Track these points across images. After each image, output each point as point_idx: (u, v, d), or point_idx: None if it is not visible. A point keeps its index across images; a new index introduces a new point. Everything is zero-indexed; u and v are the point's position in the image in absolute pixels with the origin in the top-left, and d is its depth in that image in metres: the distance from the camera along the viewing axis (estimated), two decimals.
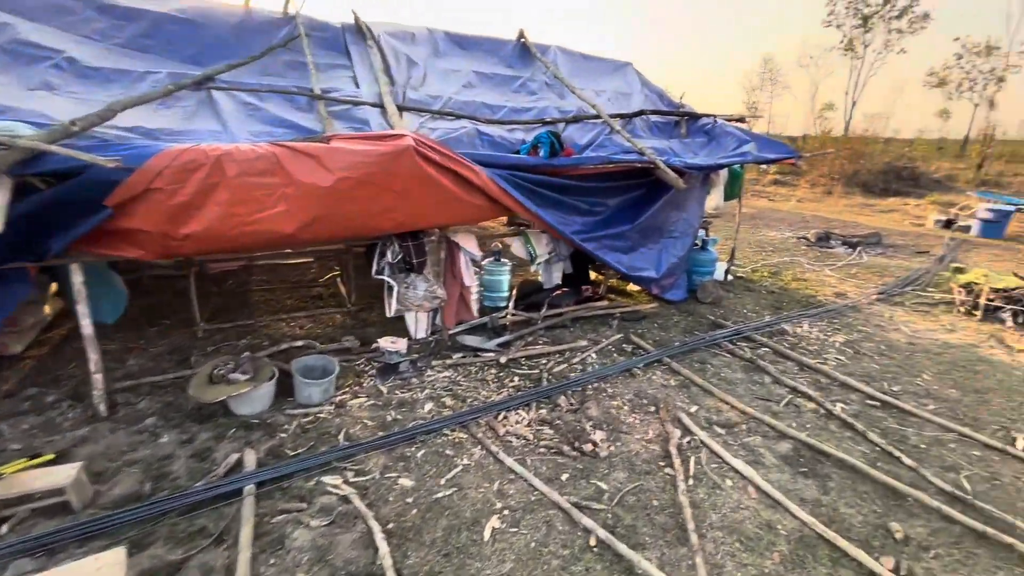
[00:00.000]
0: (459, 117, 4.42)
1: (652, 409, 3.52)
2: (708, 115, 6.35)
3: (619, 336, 4.71)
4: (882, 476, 2.81)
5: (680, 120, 6.14)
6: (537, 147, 4.14)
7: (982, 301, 5.60)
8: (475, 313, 4.68)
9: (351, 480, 2.71)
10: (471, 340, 4.41)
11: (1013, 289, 5.75)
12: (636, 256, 5.15)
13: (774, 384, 3.96)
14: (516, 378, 3.88)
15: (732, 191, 6.54)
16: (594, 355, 4.32)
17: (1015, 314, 5.40)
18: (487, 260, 5.28)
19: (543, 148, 4.11)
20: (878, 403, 3.70)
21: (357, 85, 4.59)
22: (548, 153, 4.10)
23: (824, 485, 2.81)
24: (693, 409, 3.54)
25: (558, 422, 3.31)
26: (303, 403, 3.42)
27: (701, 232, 6.36)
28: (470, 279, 4.35)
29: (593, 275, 5.96)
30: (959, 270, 6.98)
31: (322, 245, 5.05)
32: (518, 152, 4.24)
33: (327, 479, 2.69)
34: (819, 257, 8.10)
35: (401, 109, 4.14)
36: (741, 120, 6.58)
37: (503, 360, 4.07)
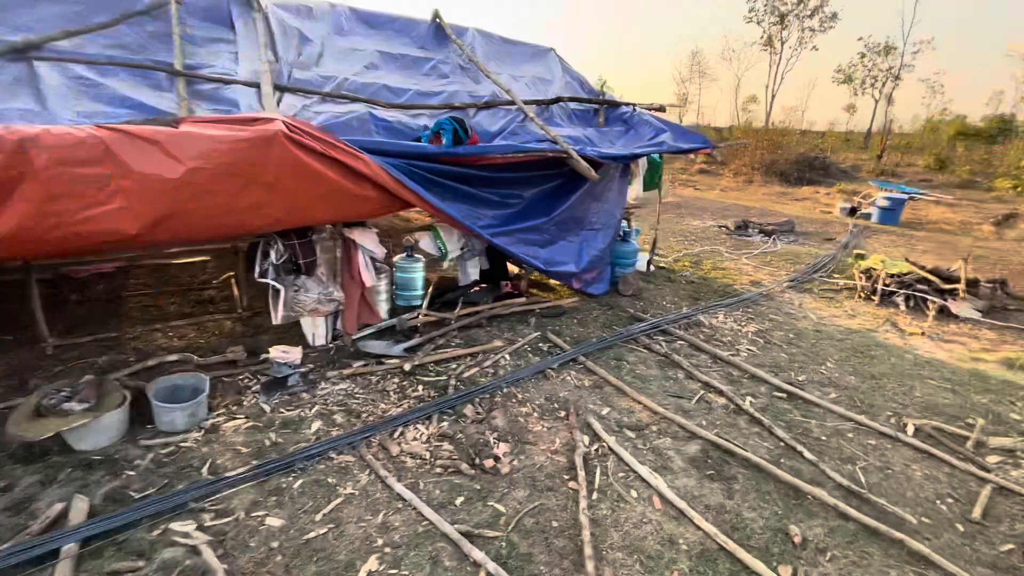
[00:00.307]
0: (352, 100, 4.00)
1: (562, 414, 3.34)
2: (627, 103, 6.26)
3: (536, 334, 4.52)
4: (784, 475, 2.77)
5: (599, 108, 6.00)
6: (439, 134, 3.82)
7: (879, 287, 5.90)
8: (382, 315, 4.32)
9: (208, 524, 2.31)
10: (375, 346, 4.05)
11: (905, 274, 6.10)
12: (555, 250, 4.96)
13: (687, 379, 3.90)
14: (421, 387, 3.58)
15: (652, 181, 6.52)
16: (508, 356, 4.10)
17: (907, 298, 5.72)
18: (400, 257, 4.92)
19: (445, 135, 3.79)
20: (785, 395, 3.72)
21: (238, 62, 4.04)
22: (451, 141, 3.79)
23: (729, 488, 2.73)
24: (605, 411, 3.40)
25: (460, 436, 3.05)
26: (166, 430, 2.95)
27: (623, 223, 6.30)
28: (371, 279, 3.98)
29: (514, 269, 5.74)
30: (860, 256, 7.38)
31: (205, 244, 4.48)
32: (419, 140, 3.89)
33: (177, 525, 2.28)
34: (737, 245, 8.33)
35: (281, 90, 3.67)
36: (660, 109, 6.55)
37: (408, 367, 3.75)
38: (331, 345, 4.12)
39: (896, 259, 6.80)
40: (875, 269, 6.37)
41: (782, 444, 3.12)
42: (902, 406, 3.65)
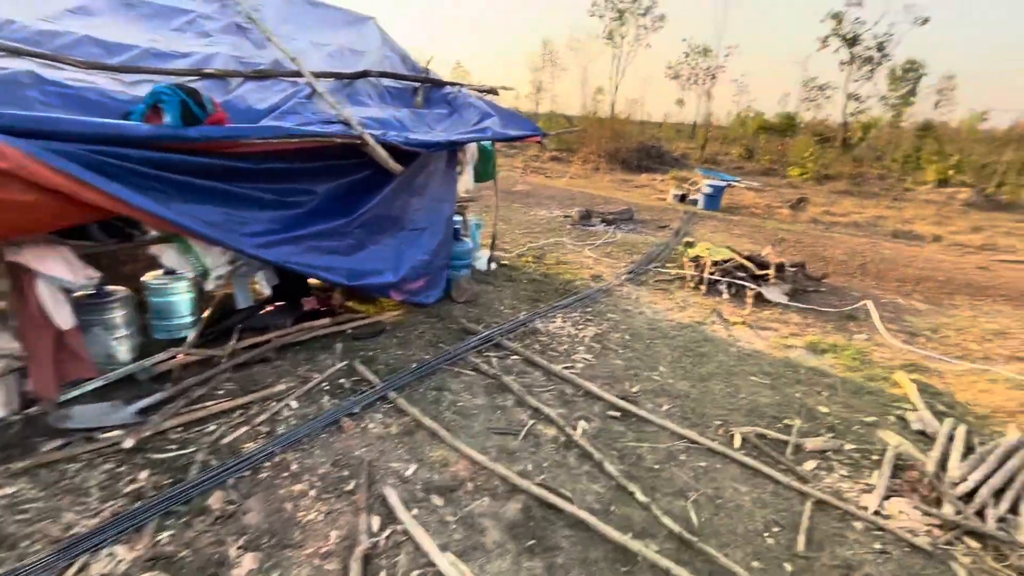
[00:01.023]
0: (9, 53, 2.66)
1: (352, 486, 2.55)
2: (453, 83, 5.54)
3: (342, 365, 3.64)
4: (613, 533, 2.32)
5: (419, 88, 5.19)
6: (158, 109, 2.69)
7: (706, 275, 6.07)
8: (92, 367, 3.06)
9: None
10: (85, 414, 2.84)
11: (727, 261, 6.38)
12: (364, 257, 4.08)
13: (517, 407, 3.36)
14: (146, 472, 2.51)
15: (486, 171, 5.93)
16: (294, 403, 3.18)
17: (729, 286, 5.95)
18: (154, 274, 3.69)
19: (169, 111, 2.67)
20: (619, 413, 3.36)
21: None
22: (179, 118, 2.69)
23: (551, 564, 2.20)
24: (411, 471, 2.69)
25: (185, 553, 2.09)
26: None
27: (457, 219, 5.63)
28: (66, 318, 2.74)
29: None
30: (689, 244, 7.69)
31: None
32: (128, 116, 2.72)
33: None
34: (581, 236, 8.22)
35: None
36: (491, 92, 5.96)
37: (130, 443, 2.64)
38: (17, 418, 2.80)
39: (719, 246, 7.15)
40: (702, 257, 6.59)
41: (614, 484, 2.71)
42: (729, 411, 3.51)
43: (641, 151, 20.63)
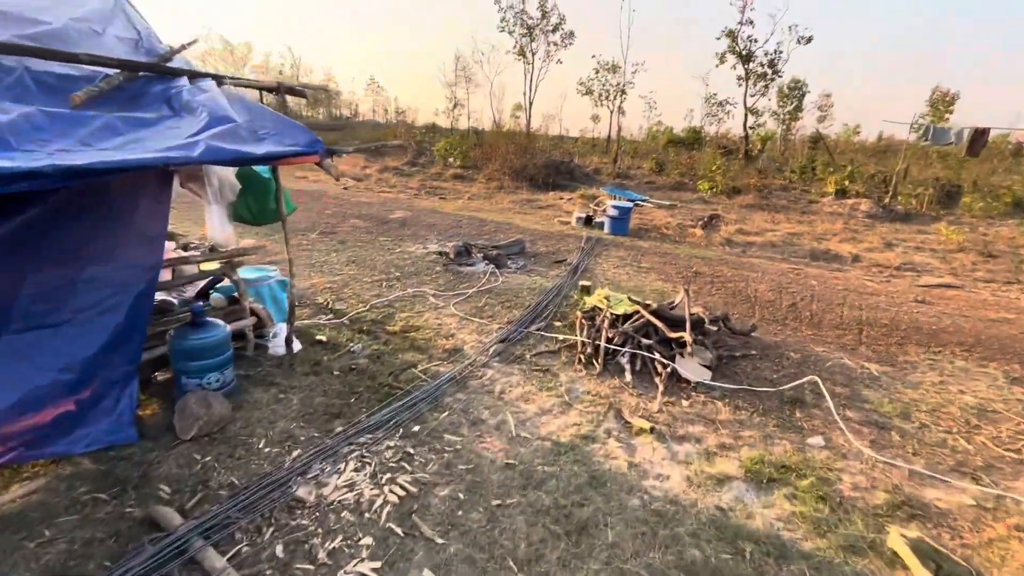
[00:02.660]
0: None
1: None
2: (204, 75, 3.44)
3: None
4: None
5: (124, 75, 3.04)
6: None
7: (602, 344, 4.36)
8: None
9: None
10: None
11: (630, 317, 4.72)
12: None
13: None
14: None
15: (264, 209, 3.88)
16: None
17: (632, 359, 4.27)
18: None
19: None
20: None
21: None
22: None
23: None
24: None
25: None
26: None
27: (223, 286, 3.52)
28: None
29: None
30: (586, 289, 6.02)
31: None
32: None
33: None
34: (451, 283, 6.31)
35: None
36: (295, 93, 3.95)
37: None
38: None
39: (622, 293, 5.53)
40: (599, 310, 4.91)
41: None
42: None
43: (550, 167, 19.32)
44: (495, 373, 4.07)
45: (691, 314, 4.56)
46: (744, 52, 27.72)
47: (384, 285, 6.04)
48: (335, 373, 3.87)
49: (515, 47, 35.35)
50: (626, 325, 4.59)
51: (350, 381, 3.77)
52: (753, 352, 4.70)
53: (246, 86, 3.86)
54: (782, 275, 7.66)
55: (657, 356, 4.20)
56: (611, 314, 4.76)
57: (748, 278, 7.28)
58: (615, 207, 9.87)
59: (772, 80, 28.94)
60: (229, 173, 3.55)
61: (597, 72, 36.11)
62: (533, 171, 18.44)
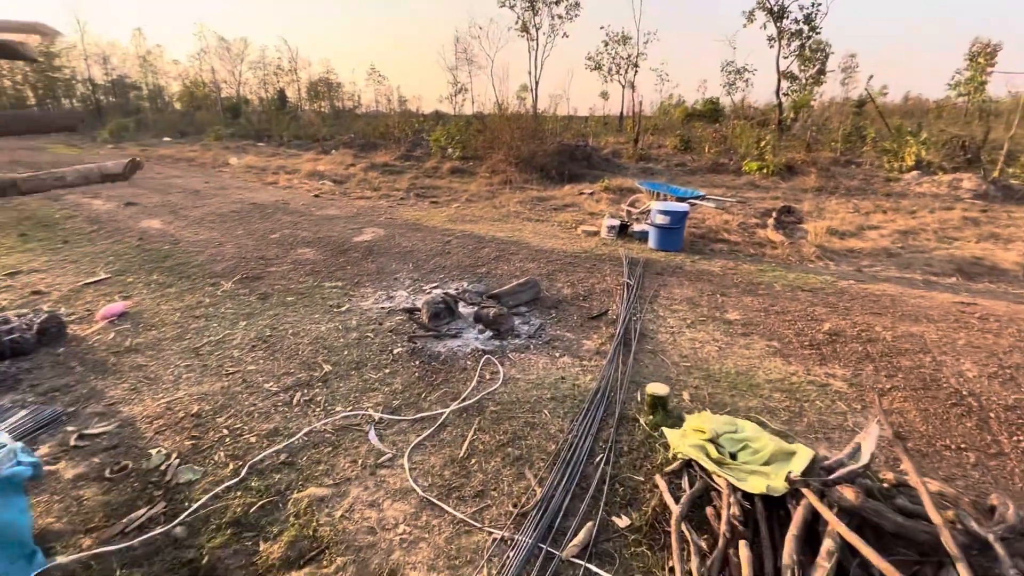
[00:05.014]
0: None
1: None
2: None
3: None
4: None
5: None
6: None
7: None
8: None
9: None
10: None
11: (785, 498, 2.01)
12: None
13: None
14: None
15: None
16: None
17: None
18: None
19: None
20: None
21: None
22: None
23: None
24: None
25: None
26: None
27: None
28: None
29: None
30: (660, 405, 3.24)
31: None
32: None
33: None
34: (415, 382, 3.61)
35: None
36: None
37: None
38: None
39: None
40: (703, 471, 2.22)
41: None
42: None
43: (563, 153, 16.40)
44: None
45: (937, 502, 1.82)
46: (776, 7, 24.27)
47: (295, 401, 3.39)
48: None
49: (517, 23, 32.27)
50: (788, 534, 1.88)
51: None
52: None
53: None
54: (965, 324, 4.72)
55: None
56: (735, 493, 2.07)
57: (925, 340, 4.36)
58: (663, 211, 7.01)
59: (809, 38, 25.47)
60: None
61: (607, 45, 32.84)
62: (544, 159, 15.54)
